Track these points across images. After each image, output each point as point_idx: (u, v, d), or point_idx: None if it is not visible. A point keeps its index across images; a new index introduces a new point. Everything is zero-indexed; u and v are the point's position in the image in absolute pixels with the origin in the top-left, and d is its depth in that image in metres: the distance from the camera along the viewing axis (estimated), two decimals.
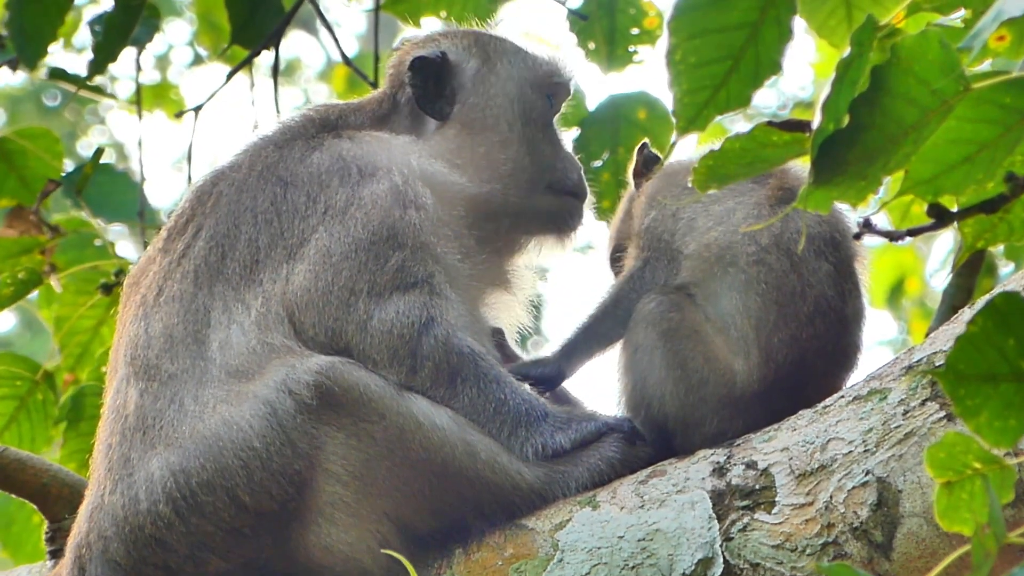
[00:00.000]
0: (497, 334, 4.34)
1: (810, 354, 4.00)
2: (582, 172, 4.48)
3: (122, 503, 3.85)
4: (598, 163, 6.19)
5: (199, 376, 3.93)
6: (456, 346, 4.00)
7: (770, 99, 12.59)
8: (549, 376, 4.17)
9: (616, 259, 4.41)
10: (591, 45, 6.20)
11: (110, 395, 4.07)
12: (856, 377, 4.08)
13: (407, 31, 6.54)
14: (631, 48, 6.20)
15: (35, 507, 4.49)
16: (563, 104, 4.57)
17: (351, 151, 4.25)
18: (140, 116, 6.36)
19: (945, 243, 8.39)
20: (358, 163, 4.21)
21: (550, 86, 4.49)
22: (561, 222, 4.45)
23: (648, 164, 4.44)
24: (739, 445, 3.87)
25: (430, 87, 4.39)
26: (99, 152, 6.06)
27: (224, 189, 4.21)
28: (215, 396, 3.88)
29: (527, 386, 4.06)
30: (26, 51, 5.72)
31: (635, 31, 6.18)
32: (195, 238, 4.15)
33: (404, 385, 3.95)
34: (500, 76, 4.45)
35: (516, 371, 4.14)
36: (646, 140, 4.50)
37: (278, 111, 6.14)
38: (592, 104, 6.29)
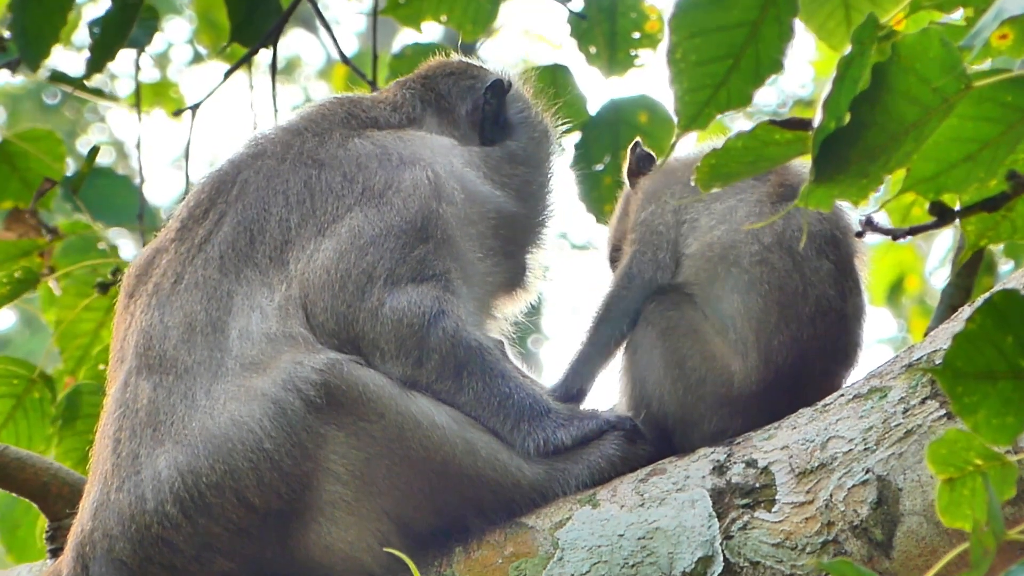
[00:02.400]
0: (498, 345, 4.34)
1: (810, 354, 3.99)
2: None
3: (129, 501, 3.82)
4: (599, 167, 6.20)
5: (215, 369, 3.91)
6: (464, 340, 4.00)
7: (770, 97, 12.59)
8: (563, 399, 4.16)
9: (614, 259, 4.42)
10: (592, 49, 6.21)
11: (116, 387, 4.03)
12: (856, 375, 4.08)
13: (406, 32, 6.56)
14: (632, 52, 6.22)
15: (36, 506, 4.49)
16: None
17: (394, 142, 4.30)
18: (140, 118, 6.36)
19: (945, 241, 8.40)
20: (400, 151, 4.26)
21: None
22: (524, 279, 4.52)
23: (642, 162, 4.45)
24: (739, 443, 3.87)
25: (493, 112, 4.53)
26: (94, 152, 6.06)
27: (250, 176, 4.20)
28: (226, 391, 3.86)
29: (531, 381, 4.07)
30: (29, 53, 5.72)
31: (636, 35, 6.20)
32: (218, 224, 4.13)
33: (410, 377, 3.95)
34: (547, 130, 4.62)
35: None
36: (638, 139, 4.53)
37: (276, 109, 6.14)
38: (593, 108, 6.31)
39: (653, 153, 4.48)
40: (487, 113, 4.52)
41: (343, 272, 4.01)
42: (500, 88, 4.54)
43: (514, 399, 3.98)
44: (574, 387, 4.18)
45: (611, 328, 4.17)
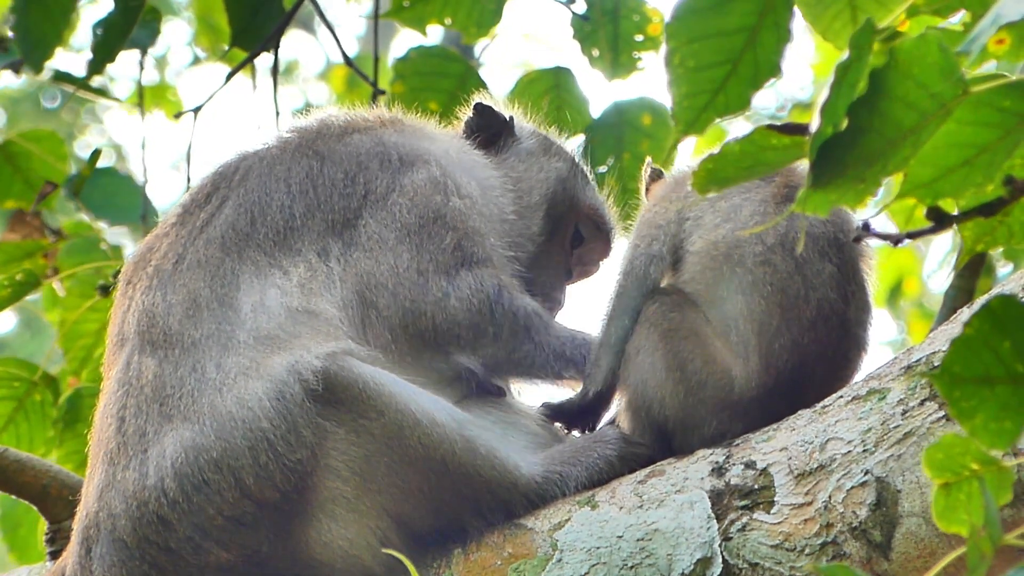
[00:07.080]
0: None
1: (811, 359, 3.98)
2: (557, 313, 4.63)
3: (134, 478, 3.82)
4: (603, 169, 6.21)
5: (224, 341, 3.93)
6: (521, 306, 4.17)
7: (769, 100, 12.58)
8: (587, 405, 4.19)
9: None
10: (595, 52, 6.22)
11: (116, 369, 4.03)
12: (856, 377, 4.08)
13: (405, 35, 6.56)
14: (635, 55, 6.22)
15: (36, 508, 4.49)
16: (590, 254, 4.75)
17: (392, 137, 4.35)
18: (143, 117, 6.37)
19: (943, 244, 8.40)
20: (398, 150, 4.31)
21: (585, 219, 4.68)
22: None
23: (654, 177, 4.47)
24: (738, 445, 3.87)
25: (483, 136, 4.60)
26: (96, 154, 6.07)
27: (253, 164, 4.27)
28: (238, 365, 3.88)
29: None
30: (32, 54, 5.74)
31: (639, 38, 6.20)
32: (220, 208, 4.18)
33: (491, 356, 4.12)
34: (548, 165, 4.66)
35: (551, 412, 4.23)
36: (649, 158, 4.56)
37: (277, 112, 6.15)
38: (597, 111, 6.32)
39: (662, 169, 4.50)
40: (474, 126, 4.60)
41: (388, 273, 4.10)
42: (488, 114, 4.61)
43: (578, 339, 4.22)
44: (591, 395, 4.18)
45: (618, 327, 4.16)
